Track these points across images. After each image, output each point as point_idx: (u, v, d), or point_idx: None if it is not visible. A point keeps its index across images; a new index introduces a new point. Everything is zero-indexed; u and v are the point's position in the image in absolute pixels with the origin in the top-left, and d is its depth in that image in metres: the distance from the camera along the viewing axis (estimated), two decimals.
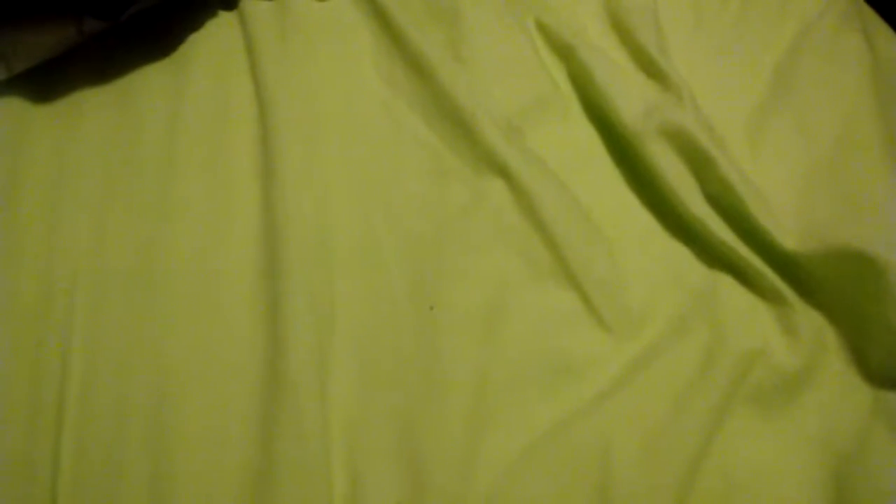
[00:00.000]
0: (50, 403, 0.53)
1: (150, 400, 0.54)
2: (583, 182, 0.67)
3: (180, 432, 0.53)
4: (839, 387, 0.59)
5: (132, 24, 0.68)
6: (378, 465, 0.53)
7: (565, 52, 0.74)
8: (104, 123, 0.66)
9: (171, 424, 0.53)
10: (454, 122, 0.68)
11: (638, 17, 0.75)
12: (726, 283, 0.63)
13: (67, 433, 0.52)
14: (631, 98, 0.69)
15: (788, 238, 0.62)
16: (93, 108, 0.66)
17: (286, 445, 0.52)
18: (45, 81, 0.66)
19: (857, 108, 0.71)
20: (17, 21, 0.62)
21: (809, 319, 0.61)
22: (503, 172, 0.65)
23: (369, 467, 0.53)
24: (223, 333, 0.57)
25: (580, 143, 0.70)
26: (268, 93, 0.68)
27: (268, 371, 0.55)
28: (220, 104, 0.68)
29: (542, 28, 0.75)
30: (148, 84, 0.68)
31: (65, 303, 0.57)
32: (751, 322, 0.61)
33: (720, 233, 0.63)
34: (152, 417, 0.53)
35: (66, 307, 0.57)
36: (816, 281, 0.62)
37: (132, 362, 0.55)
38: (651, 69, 0.72)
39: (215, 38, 0.72)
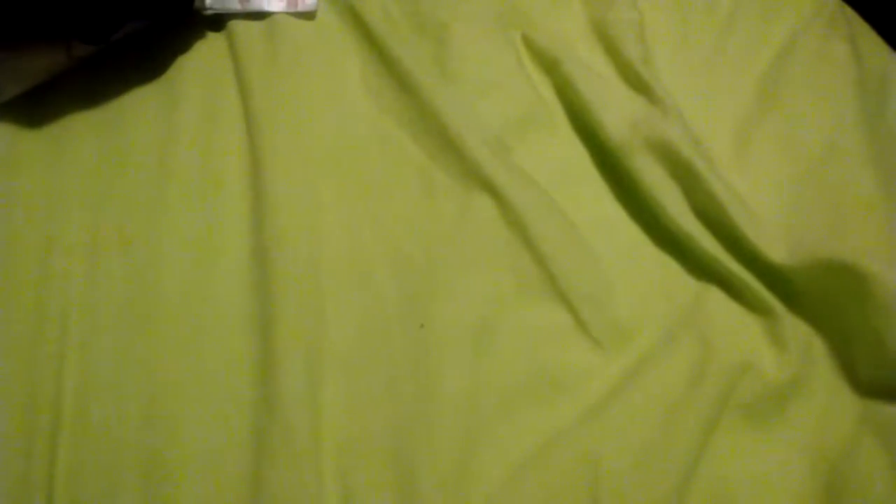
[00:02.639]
0: (44, 428, 0.53)
1: (142, 423, 0.54)
2: (570, 196, 0.67)
3: (173, 455, 0.53)
4: (828, 397, 0.59)
5: (120, 47, 0.68)
6: (370, 483, 0.53)
7: (551, 67, 0.74)
8: (94, 147, 0.66)
9: (164, 447, 0.54)
10: (442, 138, 0.68)
11: (624, 31, 0.75)
12: (714, 296, 0.63)
13: (62, 455, 0.52)
14: (617, 111, 0.69)
15: (775, 249, 0.62)
16: (83, 131, 0.67)
17: (278, 466, 0.52)
18: (34, 106, 0.67)
19: (844, 118, 0.72)
20: (6, 47, 0.62)
21: (797, 330, 0.61)
22: (490, 188, 0.65)
23: (361, 485, 0.53)
24: (214, 355, 0.57)
25: (567, 157, 0.70)
26: (257, 113, 0.68)
27: (259, 391, 0.56)
28: (210, 125, 0.68)
29: (529, 43, 0.76)
30: (137, 107, 0.69)
31: (58, 328, 0.57)
32: (739, 334, 0.61)
33: (707, 245, 0.64)
34: (145, 440, 0.54)
35: (59, 333, 0.57)
36: (803, 292, 0.62)
37: (125, 386, 0.56)
38: (637, 82, 0.72)
39: (204, 59, 0.72)
